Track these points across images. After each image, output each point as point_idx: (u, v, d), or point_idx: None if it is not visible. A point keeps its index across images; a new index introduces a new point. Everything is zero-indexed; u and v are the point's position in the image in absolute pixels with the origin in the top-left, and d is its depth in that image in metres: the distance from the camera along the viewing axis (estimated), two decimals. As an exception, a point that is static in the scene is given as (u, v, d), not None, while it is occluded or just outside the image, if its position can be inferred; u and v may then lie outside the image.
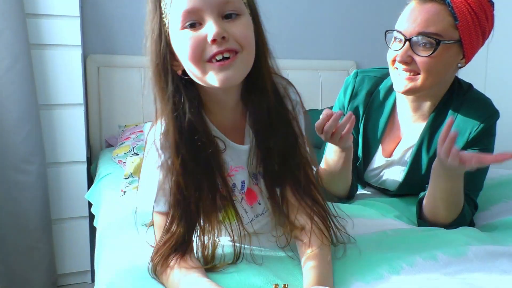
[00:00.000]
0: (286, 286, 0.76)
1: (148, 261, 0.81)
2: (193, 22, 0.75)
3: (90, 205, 1.67)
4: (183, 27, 0.75)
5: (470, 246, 0.93)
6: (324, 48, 2.59)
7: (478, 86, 2.40)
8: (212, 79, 0.76)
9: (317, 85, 2.49)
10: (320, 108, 2.47)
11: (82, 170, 1.87)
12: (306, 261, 0.81)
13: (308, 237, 0.84)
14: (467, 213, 1.11)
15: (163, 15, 0.77)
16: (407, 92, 1.11)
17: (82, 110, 1.85)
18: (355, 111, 1.25)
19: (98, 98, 2.06)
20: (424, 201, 1.11)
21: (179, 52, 0.78)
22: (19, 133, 1.70)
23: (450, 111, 1.15)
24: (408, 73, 1.09)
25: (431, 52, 1.04)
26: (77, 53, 1.80)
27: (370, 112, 1.25)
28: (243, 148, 0.88)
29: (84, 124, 1.86)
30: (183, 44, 0.76)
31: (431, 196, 1.09)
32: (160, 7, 0.77)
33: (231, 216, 0.85)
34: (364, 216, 1.17)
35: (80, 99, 1.83)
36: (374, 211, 1.21)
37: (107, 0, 2.07)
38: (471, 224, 1.15)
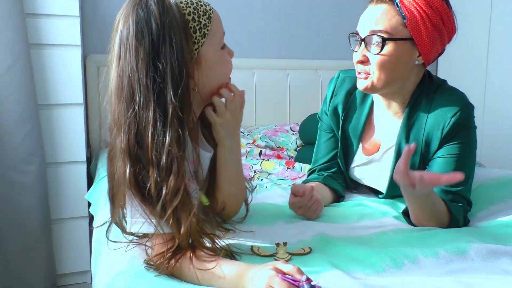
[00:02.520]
0: (285, 244, 0.89)
1: (150, 262, 0.83)
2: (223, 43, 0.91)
3: (90, 205, 1.67)
4: (222, 47, 0.89)
5: (472, 244, 0.93)
6: (324, 48, 2.59)
7: (478, 86, 2.42)
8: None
9: (317, 85, 2.49)
10: (319, 109, 2.47)
11: (81, 170, 1.87)
12: None
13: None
14: (458, 214, 1.12)
15: (194, 39, 0.84)
16: (366, 90, 1.16)
17: (82, 110, 1.84)
18: (335, 110, 1.30)
19: (98, 98, 2.06)
20: (410, 215, 1.13)
21: (218, 68, 0.88)
22: (18, 133, 1.70)
23: (421, 108, 1.18)
24: (363, 74, 1.15)
25: (380, 49, 1.09)
26: (77, 53, 1.80)
27: (350, 112, 1.29)
28: (207, 154, 0.97)
29: (84, 124, 1.86)
30: (225, 61, 0.90)
31: (412, 214, 1.12)
32: (188, 31, 0.83)
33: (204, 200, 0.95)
34: (365, 217, 1.17)
35: (80, 99, 1.83)
36: (374, 212, 1.21)
37: (107, 0, 2.07)
38: (466, 221, 1.16)
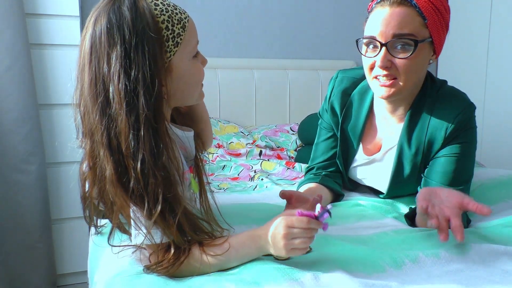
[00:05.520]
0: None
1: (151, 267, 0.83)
2: (196, 51, 0.89)
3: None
4: (195, 56, 0.88)
5: (472, 244, 0.93)
6: (324, 48, 2.59)
7: (478, 86, 2.42)
8: (202, 95, 0.95)
9: (317, 85, 2.49)
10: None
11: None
12: None
13: None
14: (463, 218, 1.12)
15: (167, 47, 0.83)
16: (390, 97, 1.12)
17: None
18: (333, 109, 1.30)
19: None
20: (418, 220, 1.12)
21: (189, 77, 0.87)
22: (18, 133, 1.70)
23: (425, 108, 1.17)
24: (389, 80, 1.09)
25: (410, 53, 1.06)
26: (77, 53, 1.80)
27: (348, 112, 1.28)
28: (191, 133, 0.99)
29: (80, 122, 1.85)
30: (196, 70, 0.89)
31: (423, 225, 1.10)
32: (161, 39, 0.82)
33: (195, 187, 0.98)
34: (365, 217, 1.17)
35: (80, 99, 1.83)
36: (374, 212, 1.21)
37: (107, 0, 2.07)
38: (467, 221, 1.16)
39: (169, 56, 0.83)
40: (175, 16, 0.84)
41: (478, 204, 0.90)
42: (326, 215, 0.80)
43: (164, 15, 0.82)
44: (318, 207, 0.81)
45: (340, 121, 1.29)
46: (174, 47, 0.83)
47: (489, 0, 2.38)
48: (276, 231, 0.80)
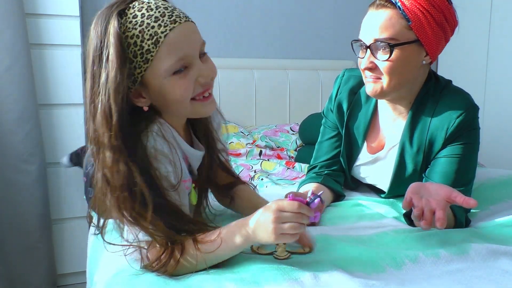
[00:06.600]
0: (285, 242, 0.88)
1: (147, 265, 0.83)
2: (184, 66, 0.83)
3: (90, 205, 1.67)
4: (174, 73, 0.82)
5: (472, 244, 0.93)
6: (324, 48, 2.59)
7: (478, 86, 2.42)
8: (200, 111, 0.89)
9: (317, 85, 2.49)
10: (319, 109, 2.47)
11: (81, 170, 1.87)
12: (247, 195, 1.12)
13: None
14: (461, 217, 1.13)
15: (135, 63, 0.81)
16: (377, 96, 1.16)
17: (82, 110, 1.84)
18: (340, 108, 1.31)
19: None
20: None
21: (167, 94, 0.83)
22: (18, 133, 1.70)
23: (427, 107, 1.18)
24: (373, 79, 1.14)
25: (388, 56, 1.09)
26: (77, 53, 1.80)
27: (354, 110, 1.29)
28: (199, 153, 0.98)
29: (84, 124, 1.86)
30: (177, 87, 0.83)
31: None
32: (126, 55, 0.80)
33: (194, 199, 0.99)
34: (365, 217, 1.17)
35: (80, 99, 1.83)
36: (374, 212, 1.21)
37: (107, 0, 2.07)
38: (467, 222, 1.16)
39: (140, 72, 0.81)
40: (147, 31, 0.79)
41: (465, 197, 0.91)
42: (318, 200, 0.80)
43: (136, 29, 0.79)
44: (309, 193, 0.81)
45: (345, 119, 1.30)
46: (144, 63, 0.81)
47: (489, 0, 2.38)
48: (266, 215, 0.78)
